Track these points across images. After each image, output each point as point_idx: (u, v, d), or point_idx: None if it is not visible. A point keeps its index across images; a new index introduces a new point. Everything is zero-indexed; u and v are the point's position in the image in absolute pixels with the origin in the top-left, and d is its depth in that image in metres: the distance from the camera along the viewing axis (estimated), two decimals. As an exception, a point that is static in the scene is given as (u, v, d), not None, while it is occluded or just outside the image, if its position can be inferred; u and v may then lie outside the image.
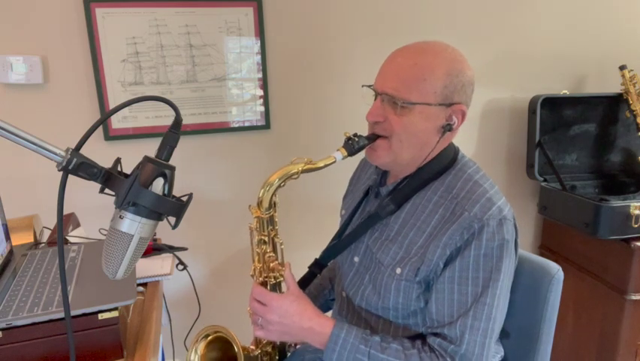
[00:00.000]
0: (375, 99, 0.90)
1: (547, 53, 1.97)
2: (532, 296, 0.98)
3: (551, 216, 1.90)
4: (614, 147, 2.01)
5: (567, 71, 2.01)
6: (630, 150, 2.01)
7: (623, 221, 1.60)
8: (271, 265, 0.92)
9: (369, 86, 0.92)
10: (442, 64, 0.84)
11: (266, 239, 0.93)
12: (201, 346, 1.02)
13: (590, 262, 1.79)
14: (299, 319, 0.85)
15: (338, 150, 0.89)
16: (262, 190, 0.89)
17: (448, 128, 0.87)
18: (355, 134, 0.89)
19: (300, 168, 0.87)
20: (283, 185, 0.89)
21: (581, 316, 1.85)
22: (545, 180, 1.92)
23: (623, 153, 2.02)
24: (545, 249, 2.06)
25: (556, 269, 0.96)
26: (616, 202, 1.62)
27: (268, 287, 0.93)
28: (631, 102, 1.85)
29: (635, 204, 1.60)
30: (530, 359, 0.99)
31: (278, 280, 0.93)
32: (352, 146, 0.88)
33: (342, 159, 0.89)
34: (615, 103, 1.95)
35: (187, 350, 1.02)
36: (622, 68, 1.86)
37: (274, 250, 0.94)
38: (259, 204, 0.91)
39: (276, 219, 0.94)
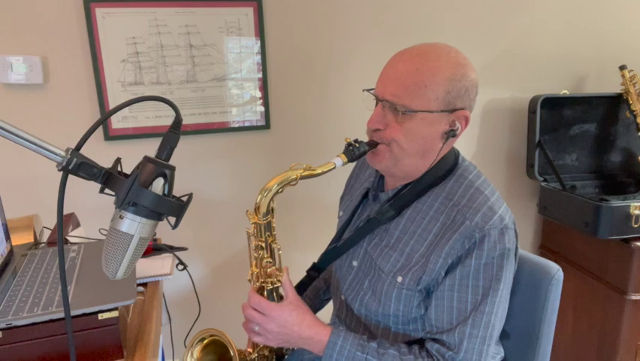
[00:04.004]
0: (376, 105, 0.88)
1: (547, 53, 1.97)
2: (532, 296, 0.98)
3: (551, 216, 1.90)
4: (614, 147, 2.01)
5: (567, 71, 2.01)
6: (630, 150, 2.01)
7: (622, 221, 1.60)
8: (268, 270, 0.91)
9: (370, 90, 0.89)
10: (444, 69, 0.81)
11: (263, 245, 0.91)
12: (197, 349, 1.01)
13: (590, 262, 1.79)
14: (298, 328, 0.85)
15: (338, 155, 0.86)
16: (260, 196, 0.87)
17: (451, 134, 0.85)
18: (356, 140, 0.87)
19: (299, 175, 0.85)
20: (281, 191, 0.87)
21: (581, 316, 1.85)
22: (545, 180, 1.92)
23: (623, 153, 2.02)
24: (545, 249, 2.06)
25: (556, 269, 0.96)
26: (616, 202, 1.62)
27: (265, 293, 0.91)
28: (631, 102, 1.85)
29: (635, 204, 1.60)
30: (530, 360, 0.99)
31: (275, 286, 0.91)
32: (353, 152, 0.86)
33: (342, 165, 0.86)
34: (615, 103, 1.95)
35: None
36: (622, 68, 1.86)
37: (272, 255, 0.92)
38: (256, 209, 0.88)
39: (274, 225, 0.92)
